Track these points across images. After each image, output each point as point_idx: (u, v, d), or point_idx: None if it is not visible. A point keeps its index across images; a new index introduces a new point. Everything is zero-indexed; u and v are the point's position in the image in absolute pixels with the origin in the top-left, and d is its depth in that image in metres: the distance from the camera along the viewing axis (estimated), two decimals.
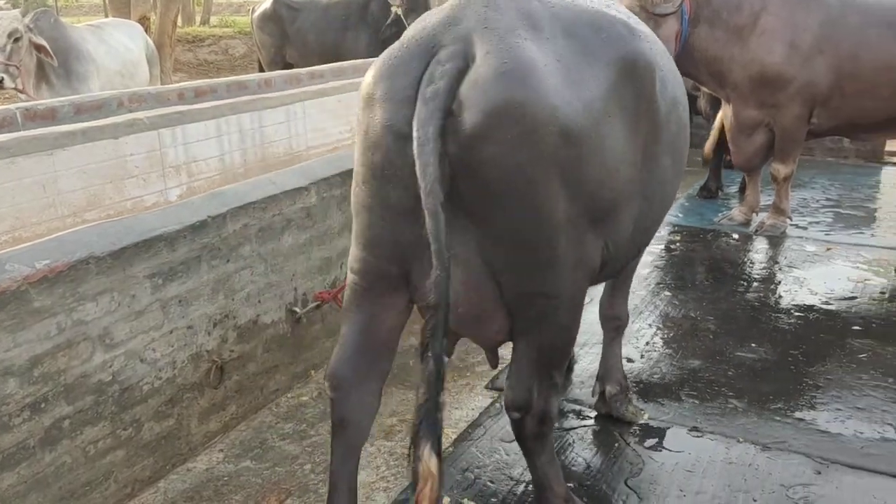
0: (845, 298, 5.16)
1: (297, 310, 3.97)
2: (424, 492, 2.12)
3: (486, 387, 4.08)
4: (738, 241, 6.48)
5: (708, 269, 5.83)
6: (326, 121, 5.44)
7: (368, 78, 2.28)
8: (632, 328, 4.70)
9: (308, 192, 4.00)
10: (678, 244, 6.36)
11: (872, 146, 9.32)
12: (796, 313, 4.93)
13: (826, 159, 9.58)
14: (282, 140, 5.08)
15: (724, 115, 6.74)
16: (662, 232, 6.65)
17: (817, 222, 6.94)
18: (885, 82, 6.09)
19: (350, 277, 2.49)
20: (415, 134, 2.08)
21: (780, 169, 6.53)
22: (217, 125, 4.60)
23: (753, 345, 4.49)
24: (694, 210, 7.45)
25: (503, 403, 2.67)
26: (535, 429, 2.61)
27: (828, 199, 7.67)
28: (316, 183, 4.05)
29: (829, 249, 6.19)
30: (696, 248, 6.30)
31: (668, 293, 5.28)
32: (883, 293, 5.24)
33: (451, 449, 3.49)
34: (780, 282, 5.52)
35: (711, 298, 5.16)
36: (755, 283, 5.45)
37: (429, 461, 2.12)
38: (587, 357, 4.31)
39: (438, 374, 2.17)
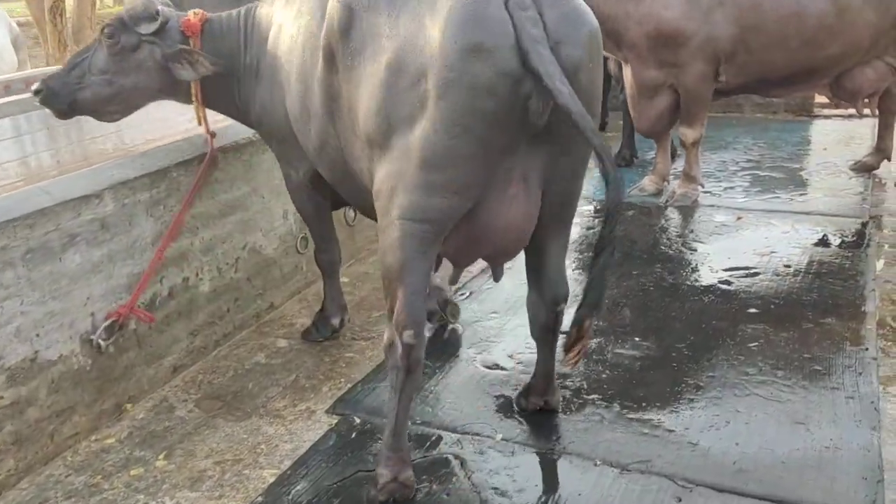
0: (746, 276, 4.70)
1: (99, 339, 3.41)
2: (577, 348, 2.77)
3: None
4: (645, 214, 5.99)
5: None
6: (170, 108, 4.76)
7: (458, 33, 2.44)
8: (507, 325, 4.21)
9: (100, 199, 3.42)
10: (583, 220, 5.85)
11: (801, 99, 8.87)
12: (692, 297, 4.46)
13: (755, 115, 9.14)
14: (110, 133, 4.46)
15: (625, 78, 6.21)
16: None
17: (732, 188, 6.48)
18: (793, 32, 5.59)
19: (416, 227, 2.65)
20: (543, 72, 2.39)
21: (688, 133, 6.04)
22: (14, 123, 3.97)
23: (637, 339, 4.02)
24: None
25: (552, 300, 3.08)
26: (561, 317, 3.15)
27: (748, 161, 7.21)
28: (112, 188, 3.48)
29: (739, 219, 5.73)
30: (599, 225, 5.79)
31: None
32: (788, 266, 4.79)
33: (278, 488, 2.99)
34: (680, 260, 5.05)
35: None
36: (654, 264, 4.97)
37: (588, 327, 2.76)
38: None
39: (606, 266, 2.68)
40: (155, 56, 3.54)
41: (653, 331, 4.09)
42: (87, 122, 4.21)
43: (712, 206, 6.02)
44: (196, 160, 3.92)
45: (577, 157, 2.77)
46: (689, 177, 6.23)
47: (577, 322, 2.74)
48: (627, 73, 6.12)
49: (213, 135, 3.89)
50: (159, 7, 3.53)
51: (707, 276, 4.75)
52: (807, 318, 4.14)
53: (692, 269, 4.87)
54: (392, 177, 2.65)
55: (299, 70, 3.24)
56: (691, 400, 3.45)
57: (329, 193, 3.84)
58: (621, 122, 7.33)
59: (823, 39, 5.55)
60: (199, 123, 3.81)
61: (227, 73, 3.65)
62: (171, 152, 3.82)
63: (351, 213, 5.10)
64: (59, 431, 3.29)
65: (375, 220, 3.04)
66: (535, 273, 3.08)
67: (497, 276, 3.29)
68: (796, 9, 5.52)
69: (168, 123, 4.62)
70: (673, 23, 5.66)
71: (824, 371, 3.61)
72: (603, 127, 7.92)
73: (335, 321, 4.14)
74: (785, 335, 3.95)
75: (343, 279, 4.39)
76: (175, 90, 3.68)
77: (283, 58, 3.42)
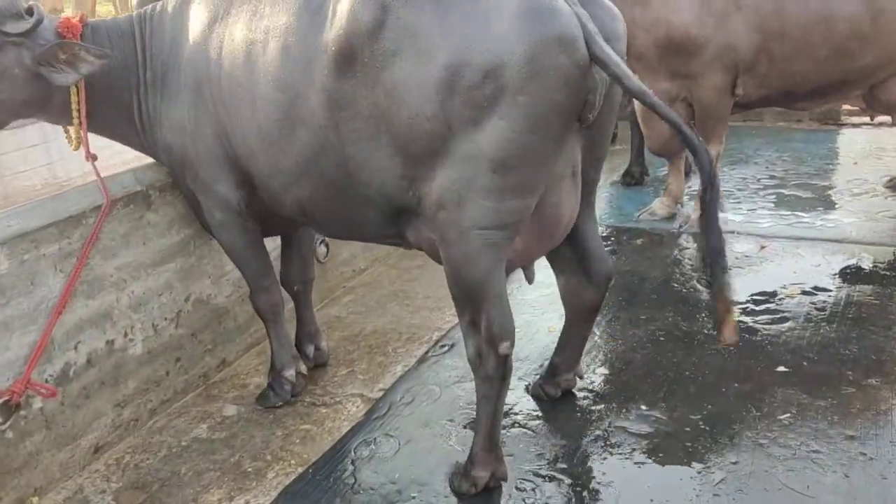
0: (773, 322, 4.05)
1: None
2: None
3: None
4: (656, 243, 5.36)
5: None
6: None
7: (536, 25, 2.40)
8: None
9: None
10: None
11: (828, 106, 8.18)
12: (710, 351, 3.81)
13: (777, 124, 8.46)
14: (38, 167, 3.89)
15: None
16: None
17: (754, 210, 5.83)
18: (821, 40, 4.94)
19: (495, 234, 2.60)
20: (611, 60, 2.45)
21: None
22: None
23: (644, 407, 3.39)
24: (614, 202, 6.33)
25: (605, 277, 3.18)
26: None
27: (771, 178, 6.57)
28: (8, 242, 2.90)
29: (763, 248, 5.10)
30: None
31: (541, 335, 4.12)
32: (821, 310, 4.14)
33: None
34: (696, 302, 4.40)
35: (594, 338, 3.99)
36: (666, 307, 4.33)
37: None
38: None
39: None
40: (23, 61, 2.91)
41: (662, 396, 3.45)
42: (9, 154, 3.64)
43: (732, 232, 5.37)
44: (122, 201, 3.34)
45: (606, 145, 2.95)
46: None
47: (721, 293, 2.66)
48: None
49: (94, 158, 3.19)
50: (32, 3, 2.93)
51: None
52: (846, 378, 3.49)
53: (710, 312, 4.22)
54: (458, 185, 2.53)
55: (278, 78, 2.78)
56: (710, 497, 2.81)
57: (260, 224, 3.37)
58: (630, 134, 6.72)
59: (855, 48, 4.89)
60: (76, 147, 3.18)
61: (120, 87, 3.13)
62: (88, 194, 3.22)
63: (322, 248, 4.51)
64: None
65: (367, 240, 3.40)
66: (579, 257, 3.14)
67: (531, 278, 3.22)
68: (824, 13, 4.87)
69: (115, 150, 3.99)
70: (683, 29, 5.03)
71: (871, 455, 2.96)
72: (612, 139, 7.30)
73: (289, 373, 3.55)
74: (822, 403, 3.30)
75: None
76: (46, 105, 3.06)
77: (227, 67, 2.94)
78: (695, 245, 5.27)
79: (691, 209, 5.66)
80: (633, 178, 6.64)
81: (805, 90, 5.23)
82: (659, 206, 5.85)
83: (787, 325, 4.01)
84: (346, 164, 2.75)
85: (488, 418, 2.85)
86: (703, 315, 4.21)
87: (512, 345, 2.75)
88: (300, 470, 3.15)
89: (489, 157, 2.48)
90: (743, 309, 4.19)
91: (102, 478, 3.19)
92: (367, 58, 2.53)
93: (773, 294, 4.37)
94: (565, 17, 2.43)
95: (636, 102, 5.52)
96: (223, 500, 3.00)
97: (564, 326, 3.39)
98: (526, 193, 2.59)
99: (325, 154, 2.78)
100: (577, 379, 3.53)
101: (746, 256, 4.97)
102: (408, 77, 2.48)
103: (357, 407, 3.57)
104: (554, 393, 3.49)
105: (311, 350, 3.90)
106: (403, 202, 2.73)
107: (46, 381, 3.05)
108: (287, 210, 3.11)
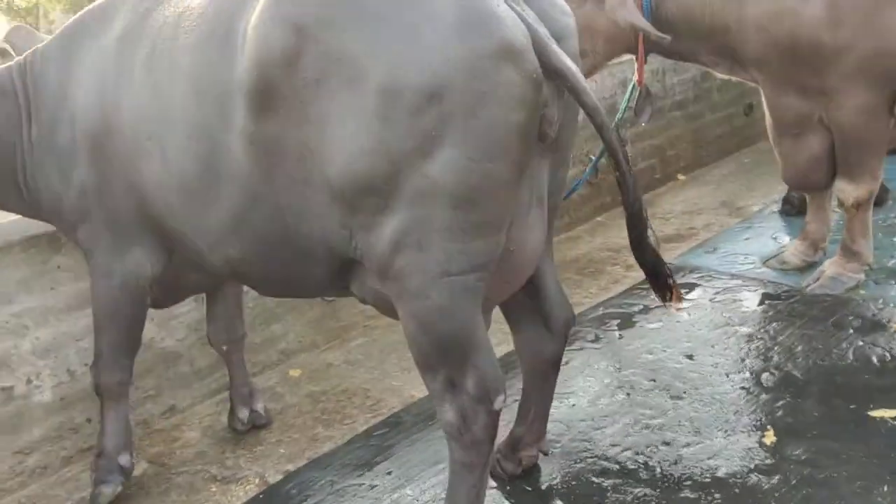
0: None
1: None
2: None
3: None
4: (772, 307, 4.10)
5: (696, 369, 3.63)
6: None
7: (481, 37, 2.07)
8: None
9: None
10: (697, 303, 4.14)
11: None
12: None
13: None
14: None
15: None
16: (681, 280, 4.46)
17: None
18: None
19: (468, 279, 2.24)
20: (567, 70, 2.18)
21: (847, 190, 4.03)
22: None
23: None
24: (753, 239, 5.01)
25: (564, 324, 2.78)
26: None
27: None
28: None
29: None
30: (705, 315, 4.03)
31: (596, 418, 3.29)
32: None
33: None
34: (818, 398, 3.25)
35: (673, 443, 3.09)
36: (770, 415, 3.26)
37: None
38: None
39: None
40: None
41: None
42: None
43: (878, 300, 3.96)
44: (19, 245, 3.18)
45: (567, 163, 2.64)
46: (849, 251, 4.18)
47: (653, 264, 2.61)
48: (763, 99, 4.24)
49: None
50: None
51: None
52: None
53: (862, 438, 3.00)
54: (414, 228, 2.17)
55: (189, 126, 2.40)
56: None
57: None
58: None
59: None
60: None
61: (4, 148, 2.86)
62: None
63: None
64: None
65: (309, 296, 3.30)
66: (536, 301, 2.73)
67: (487, 325, 2.63)
68: None
69: None
70: (811, 29, 3.71)
71: None
72: None
73: (124, 459, 3.09)
74: None
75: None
76: None
77: (129, 117, 2.56)
78: (825, 312, 3.93)
79: (827, 264, 4.26)
80: (792, 206, 5.23)
81: None
82: (792, 252, 4.51)
83: None
84: (281, 217, 2.37)
85: (471, 493, 2.43)
86: (858, 446, 3.08)
87: (504, 399, 2.39)
88: None
89: (447, 192, 2.13)
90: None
91: None
92: (287, 92, 2.16)
93: None
94: (510, 23, 2.09)
95: (766, 118, 4.28)
96: None
97: (524, 389, 2.93)
98: (494, 229, 2.25)
99: (256, 207, 2.39)
100: (542, 455, 3.00)
101: None
102: (338, 109, 2.13)
103: (246, 491, 3.12)
104: (513, 470, 2.97)
105: (244, 413, 3.50)
106: (348, 254, 2.35)
107: None
108: (216, 271, 2.73)
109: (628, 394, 3.40)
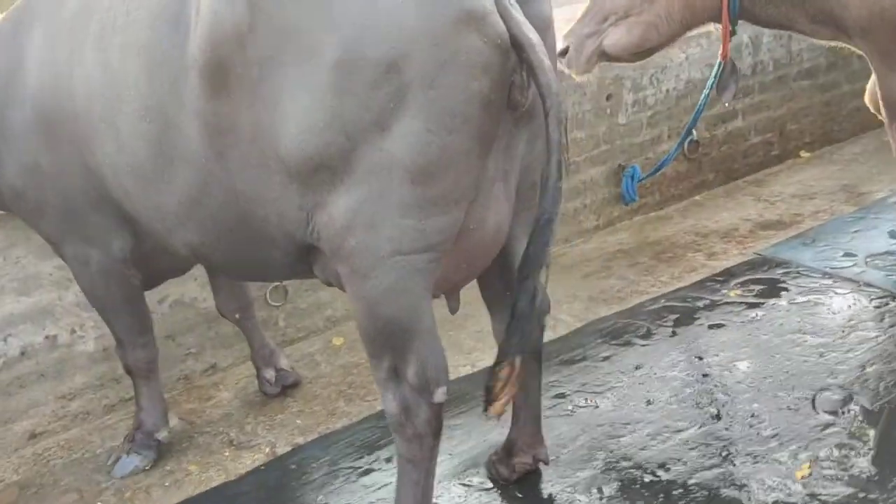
0: None
1: None
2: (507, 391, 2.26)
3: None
4: (866, 312, 3.62)
5: (745, 381, 3.31)
6: None
7: (440, 2, 1.98)
8: None
9: None
10: (773, 304, 3.76)
11: None
12: None
13: None
14: None
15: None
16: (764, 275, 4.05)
17: None
18: None
19: (419, 259, 2.15)
20: (525, 41, 2.04)
21: None
22: None
23: None
24: (863, 232, 4.43)
25: (538, 310, 2.38)
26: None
27: None
28: None
29: None
30: (776, 318, 3.64)
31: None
32: None
33: None
34: None
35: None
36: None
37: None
38: None
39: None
40: None
41: None
42: None
43: None
44: None
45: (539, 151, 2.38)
46: None
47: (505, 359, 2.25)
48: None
49: None
50: None
51: None
52: None
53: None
54: (368, 204, 2.09)
55: (142, 106, 2.34)
56: None
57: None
58: None
59: None
60: None
61: None
62: None
63: (279, 291, 3.89)
64: None
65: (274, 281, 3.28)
66: (508, 284, 2.44)
67: (454, 308, 2.63)
68: None
69: None
70: None
71: None
72: None
73: (162, 435, 3.20)
74: None
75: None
76: None
77: (82, 99, 2.51)
78: None
79: None
80: None
81: None
82: None
83: None
84: (237, 201, 2.31)
85: (415, 490, 2.36)
86: None
87: (447, 391, 2.31)
88: None
89: (404, 166, 2.04)
90: None
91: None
92: (240, 68, 2.09)
93: None
94: None
95: (879, 100, 3.73)
96: None
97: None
98: (452, 205, 2.13)
99: (211, 191, 2.35)
100: (541, 464, 2.81)
101: None
102: (292, 85, 2.04)
103: (253, 459, 3.15)
104: (508, 476, 2.81)
105: (271, 374, 3.53)
106: (305, 239, 2.27)
107: None
108: (180, 254, 2.70)
109: (660, 400, 3.11)
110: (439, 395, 2.29)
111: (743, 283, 3.94)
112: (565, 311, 3.89)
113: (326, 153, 2.06)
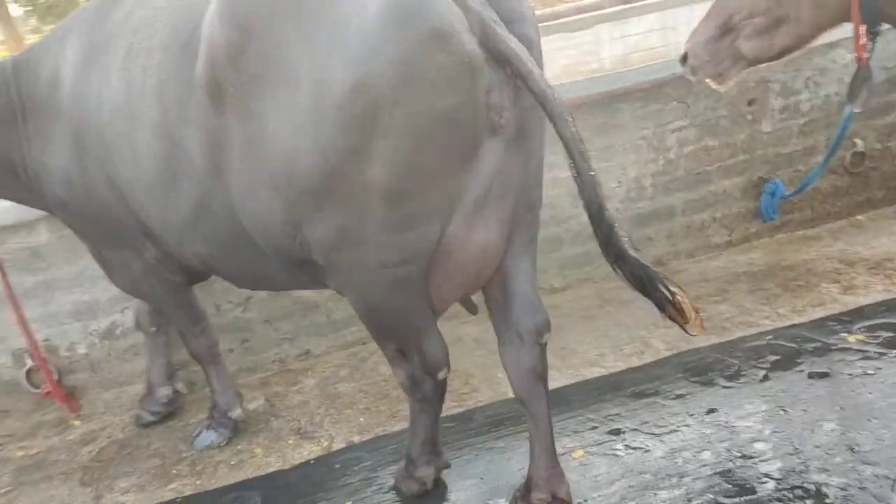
0: None
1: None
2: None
3: None
4: None
5: (829, 447, 2.97)
6: None
7: (405, 22, 2.01)
8: None
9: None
10: (892, 356, 3.34)
11: None
12: None
13: None
14: None
15: None
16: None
17: None
18: None
19: (402, 271, 2.29)
20: (511, 53, 2.05)
21: None
22: None
23: None
24: None
25: (535, 330, 2.52)
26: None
27: None
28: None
29: None
30: (892, 376, 3.22)
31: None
32: None
33: None
34: None
35: None
36: None
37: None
38: None
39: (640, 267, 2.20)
40: None
41: None
42: None
43: None
44: None
45: (541, 158, 2.41)
46: None
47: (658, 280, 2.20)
48: None
49: None
50: None
51: None
52: None
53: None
54: (350, 222, 2.20)
55: (155, 123, 2.52)
56: None
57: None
58: None
59: None
60: None
61: (3, 144, 3.03)
62: None
63: None
64: None
65: (274, 290, 3.45)
66: (506, 304, 2.53)
67: (473, 309, 2.83)
68: None
69: None
70: None
71: None
72: None
73: (236, 413, 3.45)
74: None
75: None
76: None
77: (106, 115, 2.69)
78: None
79: None
80: None
81: None
82: None
83: None
84: (235, 216, 2.45)
85: (427, 428, 2.80)
86: None
87: (448, 370, 2.62)
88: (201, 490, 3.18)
89: (379, 186, 2.12)
90: None
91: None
92: (233, 88, 2.22)
93: None
94: (440, 7, 2.00)
95: None
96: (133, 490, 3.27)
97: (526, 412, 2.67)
98: (425, 220, 2.20)
99: (211, 207, 2.50)
100: (560, 497, 2.66)
101: None
102: (277, 106, 2.15)
103: (310, 451, 3.29)
104: None
105: (166, 391, 3.65)
106: (292, 252, 2.38)
107: (91, 334, 3.70)
108: (193, 264, 2.89)
109: (719, 454, 2.84)
110: (442, 374, 2.58)
111: (870, 328, 3.45)
112: (659, 335, 3.64)
113: (309, 175, 2.13)
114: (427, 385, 2.61)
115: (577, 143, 2.12)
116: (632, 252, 2.18)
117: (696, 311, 2.19)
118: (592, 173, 2.15)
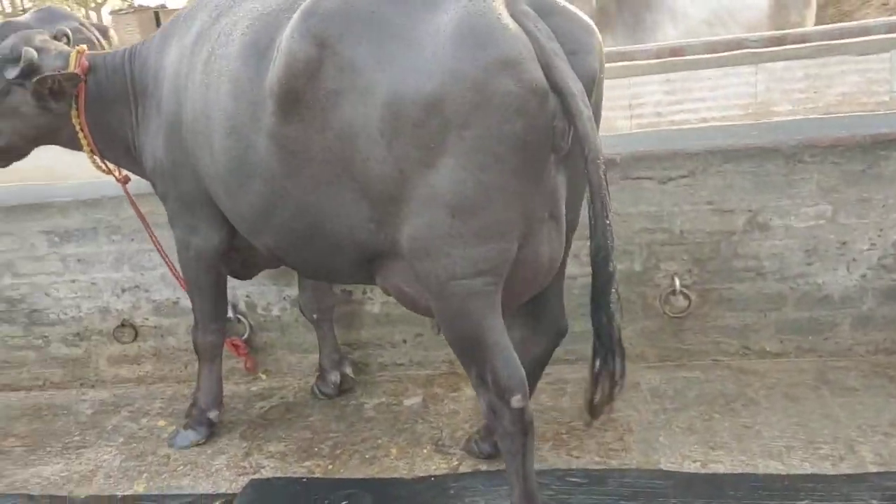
0: None
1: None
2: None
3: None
4: None
5: None
6: None
7: (476, 49, 2.16)
8: None
9: None
10: None
11: None
12: None
13: None
14: None
15: None
16: None
17: None
18: None
19: (476, 283, 2.38)
20: (566, 89, 2.20)
21: None
22: None
23: None
24: None
25: (557, 333, 2.89)
26: None
27: None
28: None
29: None
30: None
31: None
32: None
33: None
34: None
35: None
36: None
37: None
38: None
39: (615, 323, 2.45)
40: (26, 98, 3.16)
41: None
42: None
43: None
44: None
45: (585, 181, 2.48)
46: None
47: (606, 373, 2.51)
48: None
49: (126, 181, 3.46)
50: (24, 49, 3.10)
51: None
52: None
53: None
54: (422, 233, 2.35)
55: (228, 125, 2.69)
56: None
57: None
58: None
59: None
60: (106, 172, 3.43)
61: (117, 122, 3.28)
62: None
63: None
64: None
65: (342, 283, 3.63)
66: (535, 307, 2.81)
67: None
68: None
69: None
70: None
71: None
72: None
73: (213, 415, 3.55)
74: None
75: None
76: (57, 135, 3.31)
77: (190, 112, 2.90)
78: None
79: None
80: None
81: None
82: None
83: None
84: (307, 213, 2.62)
85: (518, 476, 2.63)
86: None
87: (524, 397, 2.51)
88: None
89: (447, 201, 2.29)
90: None
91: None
92: (310, 99, 2.40)
93: None
94: (510, 36, 2.18)
95: None
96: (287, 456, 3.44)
97: None
98: (497, 237, 2.35)
99: (283, 204, 2.66)
100: None
101: None
102: (353, 118, 2.34)
103: (437, 467, 3.19)
104: (490, 451, 3.16)
105: (335, 377, 3.76)
106: (375, 246, 2.56)
107: (284, 299, 3.94)
108: (264, 253, 3.05)
109: None
110: (516, 401, 2.47)
111: None
112: (873, 443, 2.98)
113: (385, 182, 2.33)
114: (505, 415, 2.50)
115: (603, 190, 2.26)
116: (617, 315, 2.38)
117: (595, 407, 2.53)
118: (608, 222, 2.29)
